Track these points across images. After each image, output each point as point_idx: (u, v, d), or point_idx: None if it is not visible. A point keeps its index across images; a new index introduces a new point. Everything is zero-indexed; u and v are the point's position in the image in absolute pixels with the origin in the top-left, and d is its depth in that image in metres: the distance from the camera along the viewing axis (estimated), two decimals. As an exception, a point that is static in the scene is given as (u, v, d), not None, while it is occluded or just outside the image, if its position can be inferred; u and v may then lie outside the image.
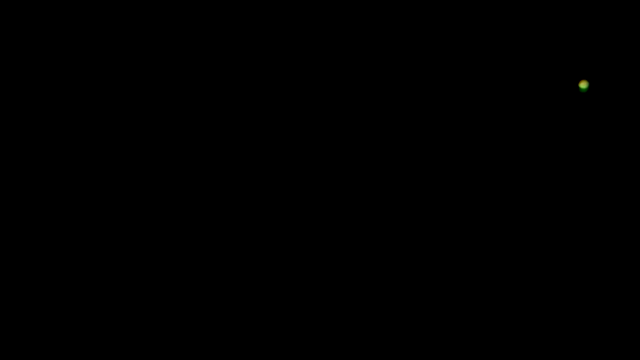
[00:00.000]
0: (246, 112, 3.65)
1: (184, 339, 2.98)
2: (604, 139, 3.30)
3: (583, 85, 3.23)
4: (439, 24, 3.25)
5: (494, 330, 3.18)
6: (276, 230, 3.59)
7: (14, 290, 3.10)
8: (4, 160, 3.27)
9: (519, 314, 3.28)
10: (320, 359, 2.91)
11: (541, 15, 3.15)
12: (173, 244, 3.47)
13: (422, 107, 3.62)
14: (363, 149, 3.71)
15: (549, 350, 2.94)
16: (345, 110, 3.68)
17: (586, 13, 3.09)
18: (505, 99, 3.44)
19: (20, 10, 3.00)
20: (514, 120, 3.46)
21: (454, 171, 3.52)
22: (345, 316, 3.37)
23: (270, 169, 3.63)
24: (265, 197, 3.59)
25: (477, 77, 3.42)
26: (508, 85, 3.40)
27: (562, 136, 3.37)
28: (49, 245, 3.25)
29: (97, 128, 3.46)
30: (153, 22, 3.38)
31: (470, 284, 3.46)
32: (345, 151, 3.70)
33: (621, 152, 3.28)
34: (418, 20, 3.32)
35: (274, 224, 3.56)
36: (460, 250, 3.43)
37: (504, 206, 3.44)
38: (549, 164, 3.43)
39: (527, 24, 3.19)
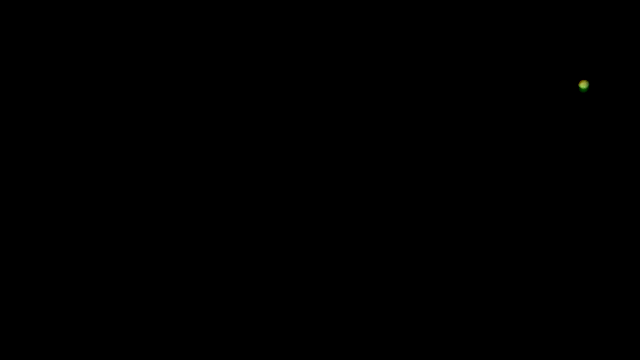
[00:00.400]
0: (246, 112, 3.65)
1: (184, 339, 2.98)
2: (604, 139, 3.30)
3: (583, 85, 3.23)
4: (439, 24, 3.24)
5: (494, 330, 3.18)
6: (276, 230, 3.60)
7: (13, 291, 3.10)
8: (4, 160, 3.27)
9: (518, 314, 3.28)
10: (321, 359, 2.90)
11: (541, 16, 3.15)
12: (173, 244, 3.48)
13: (422, 107, 3.62)
14: (363, 149, 3.73)
15: (549, 350, 2.94)
16: (345, 110, 3.69)
17: (586, 13, 3.09)
18: (505, 99, 3.44)
19: (20, 10, 3.00)
20: (514, 120, 3.46)
21: (454, 171, 3.53)
22: (345, 316, 3.37)
23: (270, 169, 3.65)
24: (265, 197, 3.61)
25: (477, 77, 3.42)
26: (508, 85, 3.40)
27: (562, 136, 3.37)
28: (49, 245, 3.25)
29: (97, 128, 3.47)
30: (153, 22, 3.38)
31: (471, 285, 3.47)
32: (346, 151, 3.72)
33: (621, 152, 3.27)
34: (418, 20, 3.31)
35: (274, 223, 3.58)
36: (460, 250, 3.43)
37: (504, 206, 3.44)
38: (549, 164, 3.43)
39: (527, 24, 3.19)
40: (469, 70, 3.39)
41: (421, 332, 3.21)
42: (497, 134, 3.48)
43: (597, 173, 3.33)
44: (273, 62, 3.54)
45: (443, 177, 3.55)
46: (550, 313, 3.23)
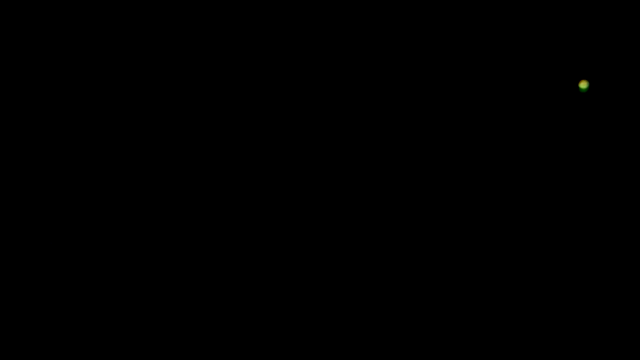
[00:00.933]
0: (246, 112, 3.65)
1: (184, 339, 2.98)
2: (604, 139, 3.30)
3: (583, 85, 3.23)
4: (439, 24, 3.24)
5: (494, 330, 3.17)
6: (276, 230, 3.59)
7: (13, 291, 3.09)
8: (4, 160, 3.27)
9: (518, 314, 3.27)
10: (321, 359, 2.90)
11: (541, 16, 3.15)
12: (172, 244, 3.48)
13: (423, 107, 3.62)
14: (363, 149, 3.71)
15: (549, 350, 2.94)
16: (344, 110, 3.68)
17: (586, 13, 3.08)
18: (506, 99, 3.43)
19: (20, 10, 3.00)
20: (514, 120, 3.45)
21: (454, 171, 3.53)
22: (345, 316, 3.35)
23: (270, 170, 3.64)
24: (264, 198, 3.60)
25: (477, 77, 3.42)
26: (508, 85, 3.40)
27: (562, 136, 3.37)
28: (49, 245, 3.25)
29: (95, 128, 3.46)
30: (152, 23, 3.38)
31: (470, 284, 3.46)
32: (345, 151, 3.71)
33: (621, 152, 3.27)
34: (418, 20, 3.31)
35: (274, 224, 3.57)
36: (460, 250, 3.43)
37: (504, 206, 3.44)
38: (549, 164, 3.42)
39: (527, 24, 3.18)
40: (469, 70, 3.39)
41: (420, 332, 3.20)
42: (497, 133, 3.48)
43: (597, 173, 3.33)
44: (271, 63, 3.53)
45: (442, 177, 3.54)
46: (550, 313, 3.23)
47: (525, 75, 3.37)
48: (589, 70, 3.25)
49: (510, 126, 3.48)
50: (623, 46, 3.18)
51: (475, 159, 3.61)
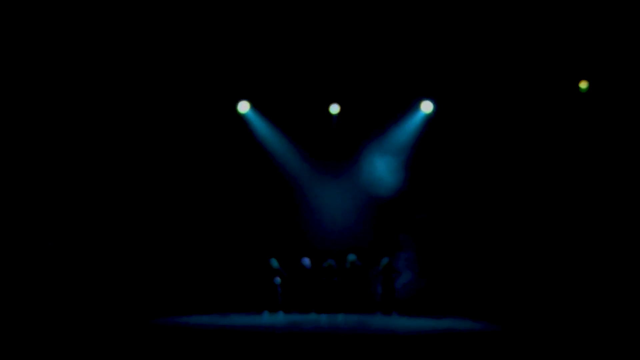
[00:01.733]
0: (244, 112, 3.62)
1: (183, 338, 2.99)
2: (604, 139, 3.30)
3: (583, 85, 3.23)
4: (440, 25, 3.25)
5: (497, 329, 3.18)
6: (274, 232, 3.57)
7: (14, 290, 3.10)
8: (4, 160, 3.27)
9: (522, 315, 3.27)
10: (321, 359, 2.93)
11: (541, 16, 3.16)
12: (169, 244, 3.46)
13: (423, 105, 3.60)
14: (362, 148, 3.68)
15: (550, 350, 2.95)
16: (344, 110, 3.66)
17: (586, 13, 3.10)
18: (506, 99, 3.43)
19: (20, 10, 3.03)
20: (514, 120, 3.45)
21: (453, 170, 3.52)
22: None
23: (268, 174, 3.61)
24: (262, 201, 3.58)
25: (477, 77, 3.41)
26: (509, 85, 3.39)
27: (562, 136, 3.37)
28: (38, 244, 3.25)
29: (88, 129, 3.45)
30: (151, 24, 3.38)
31: (469, 282, 3.44)
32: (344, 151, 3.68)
33: (621, 152, 3.27)
34: (419, 20, 3.32)
35: (272, 227, 3.54)
36: (460, 249, 3.42)
37: (503, 205, 3.43)
38: (549, 163, 3.42)
39: (527, 24, 3.19)
40: (470, 70, 3.39)
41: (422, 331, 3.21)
42: (497, 133, 3.47)
43: (597, 172, 3.32)
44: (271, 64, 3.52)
45: (443, 176, 3.54)
46: (552, 313, 3.23)
47: (525, 75, 3.37)
48: (589, 70, 3.25)
49: (510, 126, 3.47)
50: (623, 46, 3.20)
51: (474, 159, 3.59)
